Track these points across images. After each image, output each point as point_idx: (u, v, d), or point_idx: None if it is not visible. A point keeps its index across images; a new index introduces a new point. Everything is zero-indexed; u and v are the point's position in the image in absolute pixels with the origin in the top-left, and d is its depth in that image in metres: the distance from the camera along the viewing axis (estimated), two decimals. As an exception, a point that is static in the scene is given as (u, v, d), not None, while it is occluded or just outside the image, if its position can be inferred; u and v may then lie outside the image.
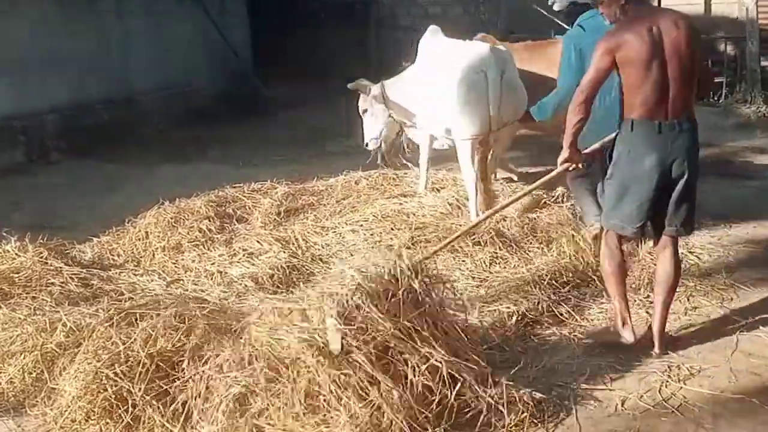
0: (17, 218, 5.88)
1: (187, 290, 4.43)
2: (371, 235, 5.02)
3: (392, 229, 5.04)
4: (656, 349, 3.73)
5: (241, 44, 11.14)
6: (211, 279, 4.58)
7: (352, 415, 2.88)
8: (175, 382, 3.16)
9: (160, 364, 3.20)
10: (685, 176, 3.61)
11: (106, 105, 8.93)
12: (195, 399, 3.07)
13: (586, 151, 3.87)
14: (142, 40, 9.50)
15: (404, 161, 6.45)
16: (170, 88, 9.74)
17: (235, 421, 2.97)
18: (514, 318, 3.98)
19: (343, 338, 2.96)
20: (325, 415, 2.92)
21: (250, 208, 5.76)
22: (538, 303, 4.13)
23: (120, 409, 3.10)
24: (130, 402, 3.11)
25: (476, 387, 3.09)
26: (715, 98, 10.07)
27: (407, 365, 3.03)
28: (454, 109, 5.20)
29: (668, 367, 3.60)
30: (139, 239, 5.15)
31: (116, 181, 7.21)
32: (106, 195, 6.71)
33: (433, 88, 5.40)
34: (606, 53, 3.57)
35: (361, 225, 5.20)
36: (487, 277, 4.44)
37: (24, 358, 3.52)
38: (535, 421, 3.15)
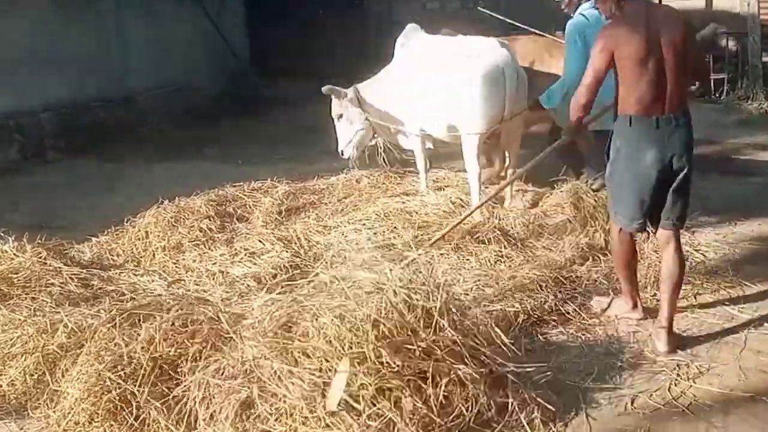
0: (14, 218, 5.81)
1: (189, 290, 4.37)
2: (374, 234, 4.98)
3: (395, 228, 4.98)
4: (664, 346, 3.70)
5: (239, 43, 11.09)
6: (213, 279, 4.52)
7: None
8: (179, 384, 3.11)
9: (164, 366, 3.16)
10: (684, 170, 3.64)
11: (105, 104, 8.88)
12: (199, 402, 3.02)
13: (588, 118, 3.97)
14: (140, 39, 9.45)
15: (382, 163, 6.29)
16: (169, 87, 9.68)
17: (242, 425, 2.92)
18: (521, 317, 3.95)
19: (342, 401, 2.86)
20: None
21: (250, 207, 5.71)
22: (544, 302, 4.10)
23: (124, 411, 3.06)
24: (134, 404, 3.06)
25: (486, 389, 3.05)
26: (717, 95, 10.04)
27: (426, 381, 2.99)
28: (468, 104, 5.20)
29: (677, 365, 3.58)
30: (139, 239, 5.09)
31: (114, 180, 7.15)
32: (104, 194, 6.65)
33: (433, 86, 5.38)
34: (603, 51, 3.61)
35: (364, 224, 5.15)
36: (492, 275, 4.39)
37: (25, 360, 3.48)
38: (545, 421, 3.11)
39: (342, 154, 6.12)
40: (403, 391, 2.90)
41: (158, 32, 9.60)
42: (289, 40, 11.30)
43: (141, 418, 3.06)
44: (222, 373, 3.04)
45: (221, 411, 2.95)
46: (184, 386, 3.08)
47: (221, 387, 2.99)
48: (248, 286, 4.38)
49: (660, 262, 3.99)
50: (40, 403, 3.32)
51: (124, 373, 3.12)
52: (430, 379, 2.97)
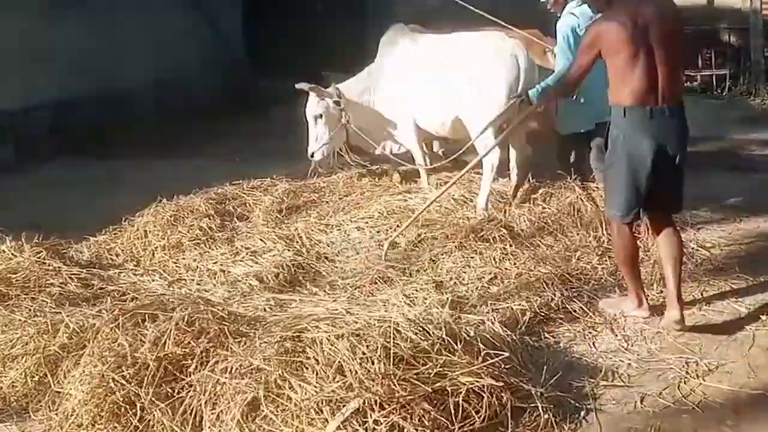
0: (10, 217, 5.71)
1: (190, 290, 4.32)
2: (377, 232, 4.94)
3: (398, 226, 4.93)
4: (676, 315, 3.71)
5: (235, 39, 11.02)
6: (214, 278, 4.48)
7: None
8: (184, 386, 3.06)
9: (169, 367, 3.10)
10: (678, 158, 3.71)
11: (98, 101, 8.78)
12: (205, 403, 2.97)
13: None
14: (134, 35, 9.35)
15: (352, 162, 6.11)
16: (164, 83, 9.60)
17: (248, 427, 2.88)
18: (527, 315, 3.91)
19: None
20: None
21: (250, 206, 5.64)
22: (551, 299, 4.07)
23: (128, 413, 3.01)
24: (138, 406, 3.01)
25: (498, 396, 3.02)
26: (719, 90, 10.02)
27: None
28: (484, 95, 5.23)
29: (686, 363, 3.55)
30: (138, 238, 5.03)
31: (110, 178, 7.07)
32: (100, 192, 6.55)
33: (439, 80, 5.42)
34: (589, 47, 3.69)
35: (366, 222, 5.11)
36: (498, 273, 4.34)
37: (26, 361, 3.42)
38: (554, 420, 3.08)
39: (311, 157, 5.85)
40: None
41: (152, 28, 9.51)
42: (286, 35, 11.22)
43: (145, 419, 3.00)
44: (229, 373, 2.99)
45: (227, 412, 2.91)
46: (190, 386, 3.03)
47: (228, 386, 2.94)
48: (250, 285, 4.33)
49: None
50: (41, 405, 3.27)
51: (128, 374, 3.06)
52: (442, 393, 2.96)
